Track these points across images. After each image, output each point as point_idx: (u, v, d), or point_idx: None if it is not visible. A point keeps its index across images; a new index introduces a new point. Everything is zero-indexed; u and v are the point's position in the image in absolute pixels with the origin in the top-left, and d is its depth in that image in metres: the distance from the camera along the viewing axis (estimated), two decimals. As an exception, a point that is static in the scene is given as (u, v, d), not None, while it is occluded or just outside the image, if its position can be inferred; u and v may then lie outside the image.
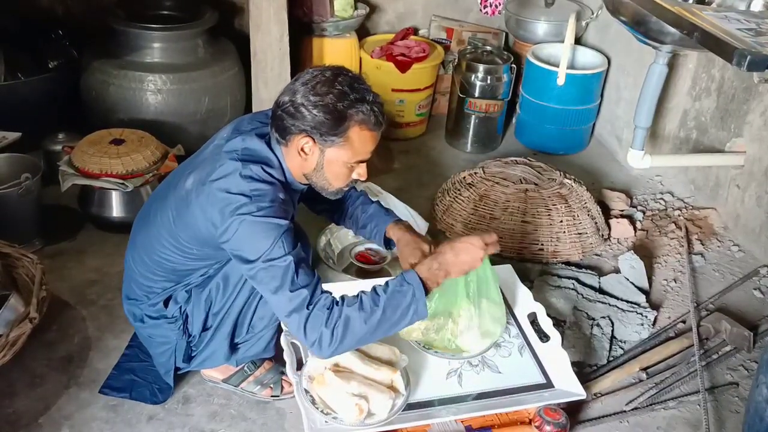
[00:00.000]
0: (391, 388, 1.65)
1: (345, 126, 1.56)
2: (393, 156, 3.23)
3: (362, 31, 3.42)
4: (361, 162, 1.65)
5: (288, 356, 1.72)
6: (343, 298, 1.55)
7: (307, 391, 1.65)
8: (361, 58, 3.29)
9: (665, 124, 3.09)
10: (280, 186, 1.60)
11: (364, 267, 2.35)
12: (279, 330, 1.87)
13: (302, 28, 3.13)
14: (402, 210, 2.51)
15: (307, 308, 1.51)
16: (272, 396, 1.96)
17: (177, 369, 1.90)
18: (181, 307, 1.81)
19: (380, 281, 1.63)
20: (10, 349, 1.84)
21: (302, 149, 1.60)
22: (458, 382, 1.78)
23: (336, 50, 3.19)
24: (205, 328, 1.83)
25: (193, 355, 1.87)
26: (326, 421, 1.60)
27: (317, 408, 1.61)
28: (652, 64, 2.51)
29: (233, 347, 1.86)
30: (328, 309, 1.52)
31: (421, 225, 2.50)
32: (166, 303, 1.82)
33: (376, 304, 1.53)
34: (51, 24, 3.05)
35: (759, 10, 2.15)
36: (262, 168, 1.59)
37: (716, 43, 1.77)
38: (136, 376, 1.98)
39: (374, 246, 2.39)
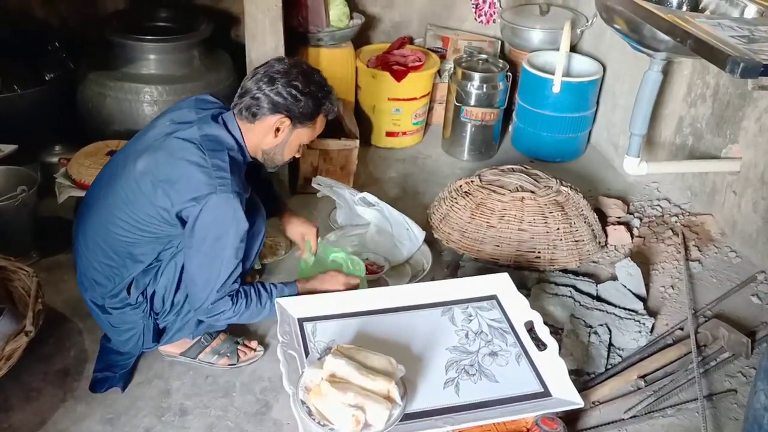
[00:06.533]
0: (388, 398, 1.65)
1: (317, 112, 1.84)
2: (389, 165, 3.24)
3: (358, 41, 3.42)
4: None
5: (284, 367, 1.71)
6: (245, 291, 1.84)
7: (303, 402, 1.64)
8: (357, 68, 3.30)
9: (661, 130, 3.09)
10: (237, 166, 1.78)
11: (362, 277, 2.34)
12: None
13: (298, 39, 3.14)
14: (398, 219, 2.51)
15: (230, 299, 1.81)
16: (229, 364, 2.04)
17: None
18: (144, 291, 1.85)
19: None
20: (6, 362, 1.83)
21: (278, 128, 1.81)
22: (455, 391, 1.77)
23: (332, 60, 3.19)
24: (174, 301, 1.89)
25: (162, 328, 1.93)
26: (323, 433, 1.59)
27: (314, 419, 1.60)
28: (647, 71, 2.52)
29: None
30: (237, 294, 1.81)
31: (417, 234, 2.50)
32: (128, 290, 1.86)
33: (261, 304, 1.86)
34: (47, 36, 3.06)
35: (752, 17, 2.16)
36: (228, 154, 1.76)
37: (709, 50, 1.78)
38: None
39: (372, 256, 2.40)
